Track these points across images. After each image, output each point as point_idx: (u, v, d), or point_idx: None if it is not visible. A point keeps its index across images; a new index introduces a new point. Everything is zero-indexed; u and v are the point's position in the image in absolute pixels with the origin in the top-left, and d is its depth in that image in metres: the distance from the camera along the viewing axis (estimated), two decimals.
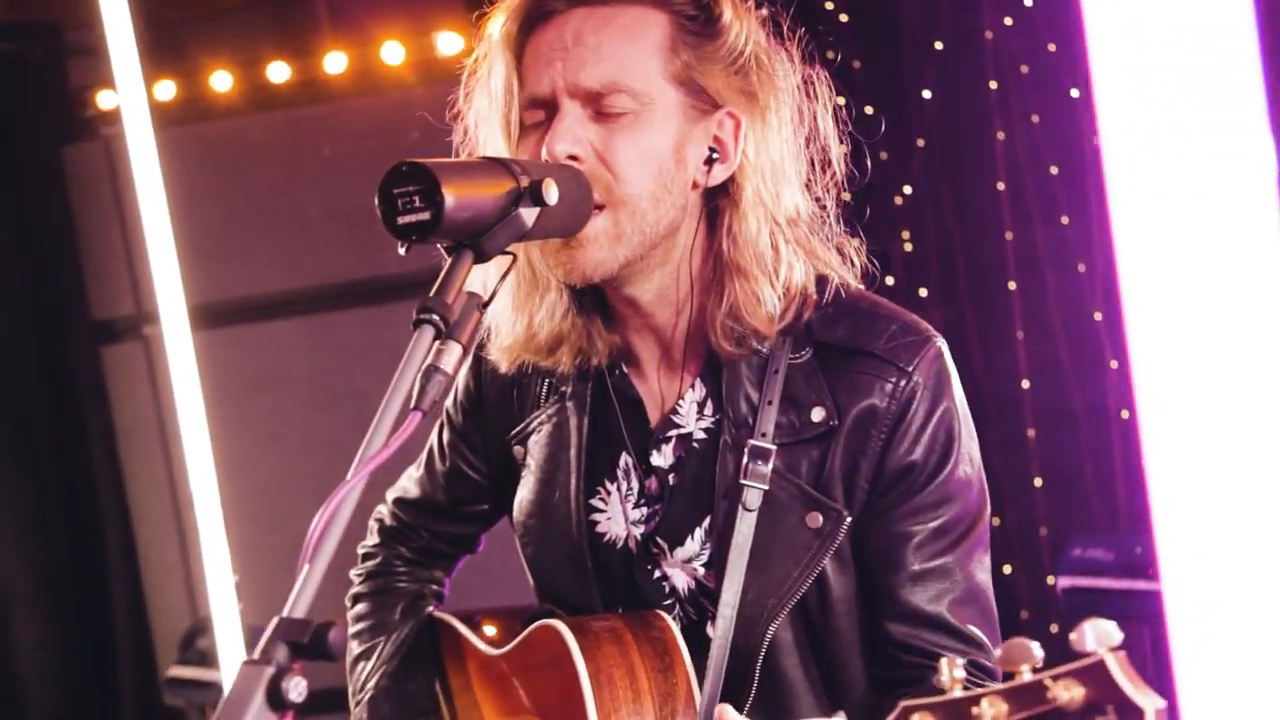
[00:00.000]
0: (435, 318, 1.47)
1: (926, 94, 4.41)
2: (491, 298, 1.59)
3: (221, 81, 4.96)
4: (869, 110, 4.37)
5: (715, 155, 1.82)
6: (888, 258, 4.47)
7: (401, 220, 1.52)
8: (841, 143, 1.90)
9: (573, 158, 1.76)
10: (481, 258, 1.56)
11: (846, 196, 1.91)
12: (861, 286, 1.93)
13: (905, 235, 4.48)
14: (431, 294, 1.49)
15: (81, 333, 5.20)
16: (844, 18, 4.36)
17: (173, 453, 4.70)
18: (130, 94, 3.40)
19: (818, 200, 1.88)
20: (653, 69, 1.78)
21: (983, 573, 1.85)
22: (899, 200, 4.45)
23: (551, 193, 1.59)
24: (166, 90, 5.00)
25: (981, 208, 4.39)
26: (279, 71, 4.93)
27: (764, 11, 1.88)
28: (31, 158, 5.15)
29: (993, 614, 1.86)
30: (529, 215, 1.59)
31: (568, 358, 1.92)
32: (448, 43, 4.77)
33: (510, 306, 1.91)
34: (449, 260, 1.55)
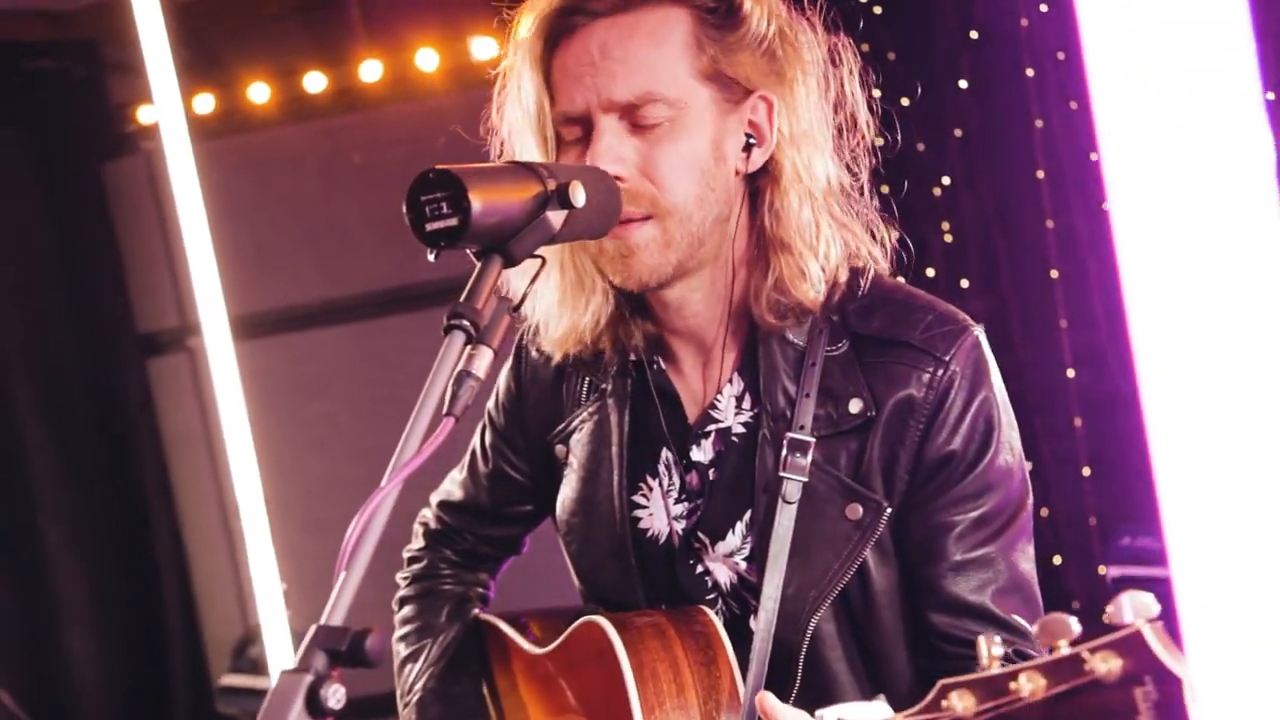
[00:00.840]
0: (465, 323, 1.47)
1: (963, 84, 4.38)
2: (521, 301, 1.59)
3: (259, 93, 4.99)
4: (905, 102, 4.34)
5: (752, 140, 1.82)
6: (928, 249, 4.44)
7: (429, 227, 1.52)
8: (872, 110, 1.89)
9: (616, 178, 1.76)
10: (510, 262, 1.56)
11: (885, 189, 1.90)
12: (901, 278, 1.92)
13: (945, 226, 4.45)
14: (461, 299, 1.49)
15: (127, 346, 5.25)
16: (877, 9, 4.34)
17: (220, 463, 4.74)
18: (168, 108, 3.43)
19: (848, 168, 1.87)
20: (681, 71, 1.78)
21: (1026, 562, 1.84)
22: (937, 191, 4.42)
23: (579, 195, 1.59)
24: (205, 103, 5.04)
25: (1021, 196, 4.36)
26: (315, 81, 4.96)
27: None
28: (74, 174, 5.20)
29: (1037, 603, 1.84)
30: (556, 218, 1.58)
31: (608, 344, 1.93)
32: (482, 48, 4.77)
33: (556, 303, 1.92)
34: (478, 265, 1.55)
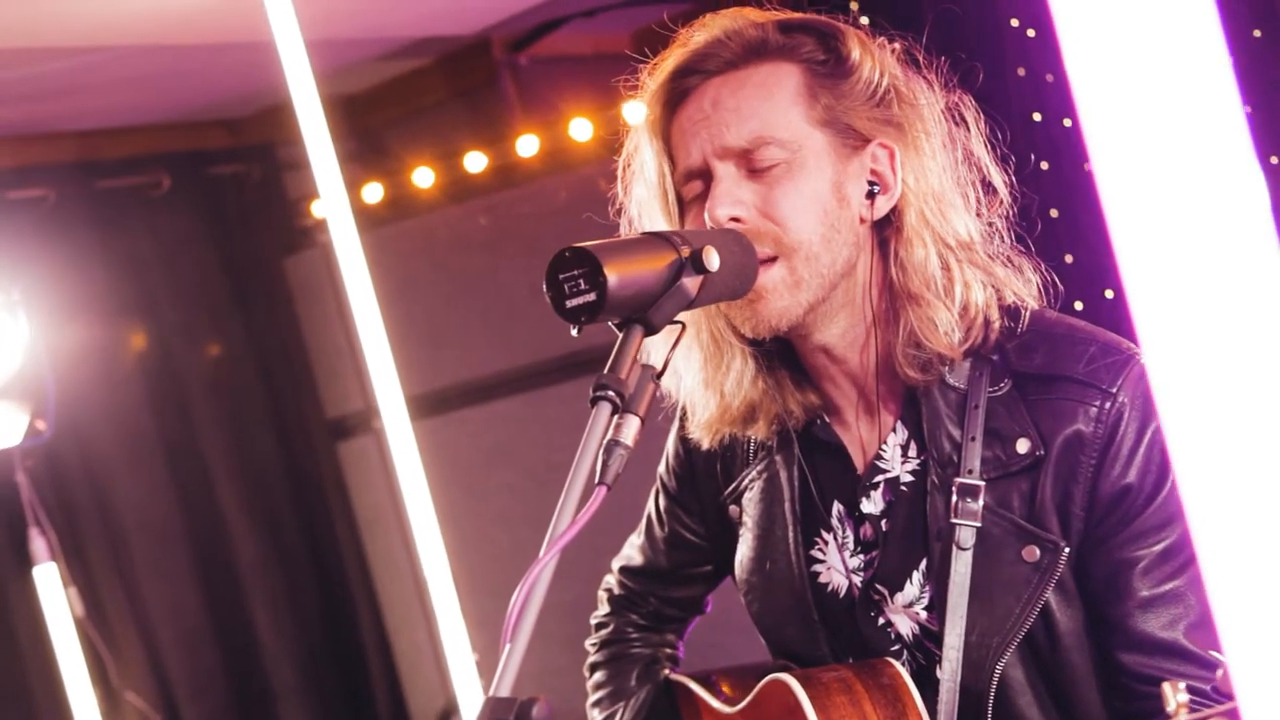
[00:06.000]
0: (611, 393, 1.48)
1: None
2: (664, 368, 1.60)
3: (423, 178, 5.13)
4: (1066, 123, 4.23)
5: (876, 188, 1.81)
6: (1104, 271, 4.31)
7: (569, 304, 1.55)
8: (1000, 166, 1.86)
9: (735, 219, 1.77)
10: (651, 330, 1.57)
11: (1055, 213, 1.85)
12: (1064, 313, 1.88)
13: None
14: (605, 370, 1.51)
15: (318, 432, 5.43)
16: (1030, 33, 4.26)
17: (411, 539, 4.85)
18: (335, 201, 3.55)
19: (991, 225, 1.84)
20: (794, 118, 1.79)
21: None
22: None
23: (713, 259, 1.60)
24: (374, 192, 5.20)
25: None
26: (475, 161, 5.08)
27: (897, 45, 1.87)
28: (259, 271, 5.42)
29: None
30: (692, 284, 1.60)
31: (764, 427, 1.93)
32: (634, 113, 4.82)
33: (700, 383, 1.94)
34: (620, 336, 1.57)
